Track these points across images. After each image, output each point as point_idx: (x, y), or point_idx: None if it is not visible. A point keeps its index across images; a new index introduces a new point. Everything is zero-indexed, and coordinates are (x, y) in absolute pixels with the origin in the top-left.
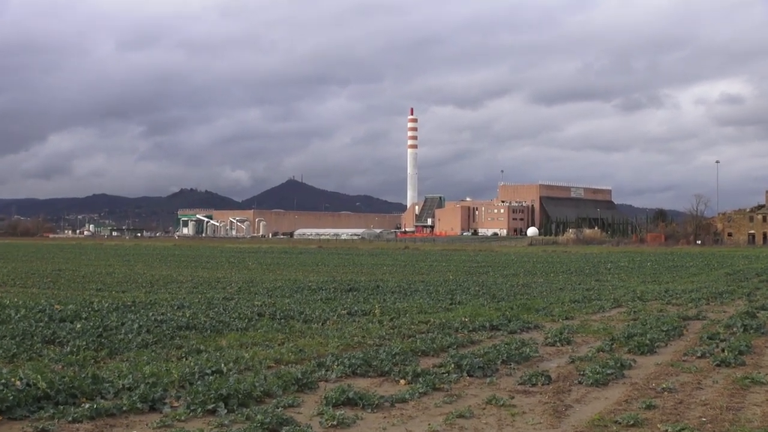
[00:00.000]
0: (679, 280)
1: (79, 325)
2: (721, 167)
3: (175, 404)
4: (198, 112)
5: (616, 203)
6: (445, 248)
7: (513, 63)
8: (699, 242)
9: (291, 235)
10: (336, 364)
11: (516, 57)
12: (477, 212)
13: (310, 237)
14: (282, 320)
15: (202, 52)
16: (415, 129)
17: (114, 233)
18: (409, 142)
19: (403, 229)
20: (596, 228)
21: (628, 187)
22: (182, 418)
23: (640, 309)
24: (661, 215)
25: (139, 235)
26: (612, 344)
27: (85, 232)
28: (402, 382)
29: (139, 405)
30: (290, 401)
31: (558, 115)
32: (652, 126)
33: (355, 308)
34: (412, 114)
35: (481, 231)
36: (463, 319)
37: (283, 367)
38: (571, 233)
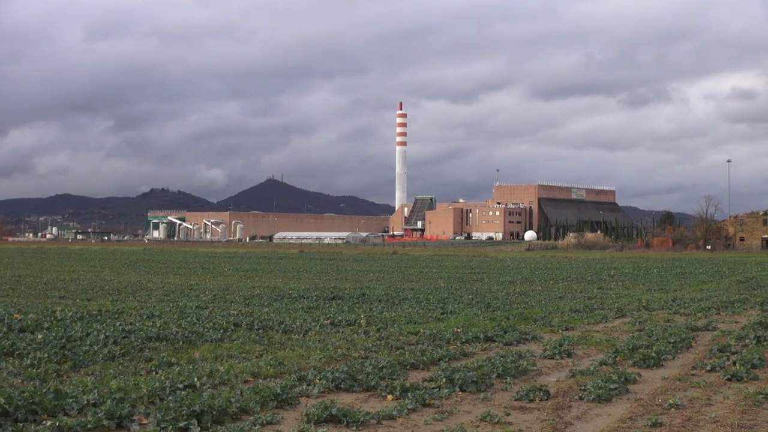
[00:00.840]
0: (688, 288)
1: (40, 336)
2: (733, 167)
3: (144, 421)
4: (171, 105)
5: (620, 205)
6: (436, 253)
7: (510, 55)
8: (709, 247)
9: (270, 238)
10: (318, 378)
11: (513, 48)
12: (471, 215)
13: (290, 241)
14: (260, 331)
15: (176, 42)
16: (404, 125)
17: (79, 236)
18: (398, 139)
19: (391, 233)
20: (599, 232)
21: (633, 188)
22: None
23: (645, 319)
24: (668, 218)
25: (105, 238)
26: (615, 357)
27: (48, 235)
28: (389, 397)
29: (105, 422)
30: (269, 418)
31: (558, 111)
32: (659, 123)
33: (339, 318)
34: (401, 109)
35: (475, 235)
36: (455, 329)
37: (261, 381)
38: (571, 237)
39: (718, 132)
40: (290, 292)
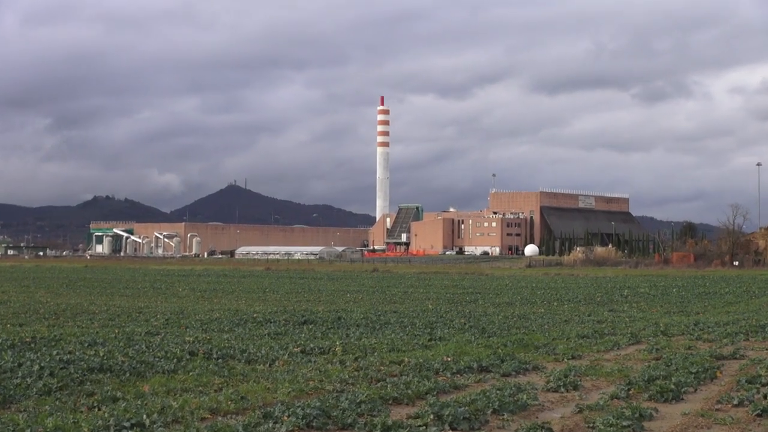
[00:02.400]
0: (712, 311)
1: None
2: (764, 171)
3: None
4: (119, 101)
5: (634, 215)
6: (423, 271)
7: (509, 43)
8: (736, 263)
9: (232, 254)
10: (287, 414)
11: (512, 36)
12: (463, 226)
13: (255, 257)
14: (220, 360)
15: (125, 28)
16: (386, 123)
17: (10, 251)
18: (380, 139)
19: (372, 247)
20: (610, 246)
21: (650, 196)
22: None
23: (663, 346)
24: (689, 230)
25: (41, 253)
26: (629, 389)
27: None
28: None
29: None
30: None
31: (563, 107)
32: (679, 120)
33: (311, 345)
34: (383, 104)
35: (468, 249)
36: (445, 358)
37: (220, 418)
38: (578, 252)
39: (747, 131)
40: (255, 315)
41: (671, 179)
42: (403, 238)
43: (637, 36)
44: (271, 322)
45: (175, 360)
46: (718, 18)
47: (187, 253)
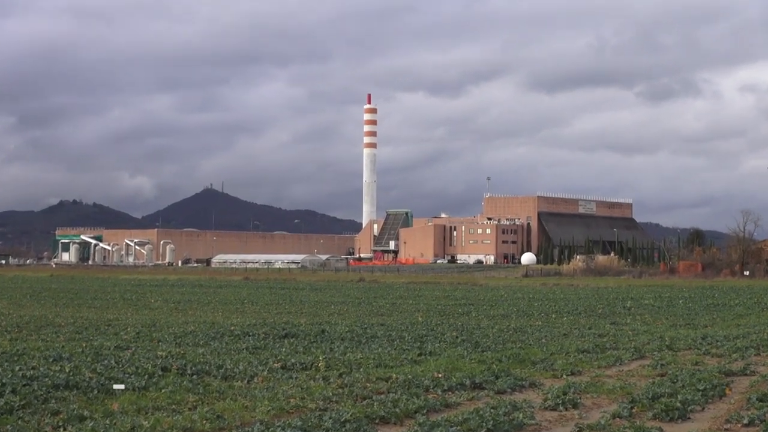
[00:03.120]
0: (721, 324)
1: None
2: None
3: None
4: (87, 99)
5: (638, 222)
6: (412, 281)
7: (505, 38)
8: (747, 273)
9: (207, 262)
10: None
11: (509, 30)
12: (455, 233)
13: (233, 265)
14: (194, 376)
15: (94, 21)
16: (374, 123)
17: None
18: (366, 140)
19: (358, 255)
20: (612, 254)
21: (655, 201)
22: None
23: (669, 361)
24: (697, 237)
25: (3, 262)
26: (632, 408)
27: None
28: None
29: None
30: None
31: (563, 106)
32: (686, 120)
33: (293, 361)
34: (369, 102)
35: (461, 258)
36: (435, 374)
37: None
38: (579, 261)
39: (759, 132)
40: (232, 328)
41: (678, 183)
42: (392, 245)
43: (642, 30)
44: (249, 336)
45: (146, 376)
46: (728, 11)
47: (159, 262)
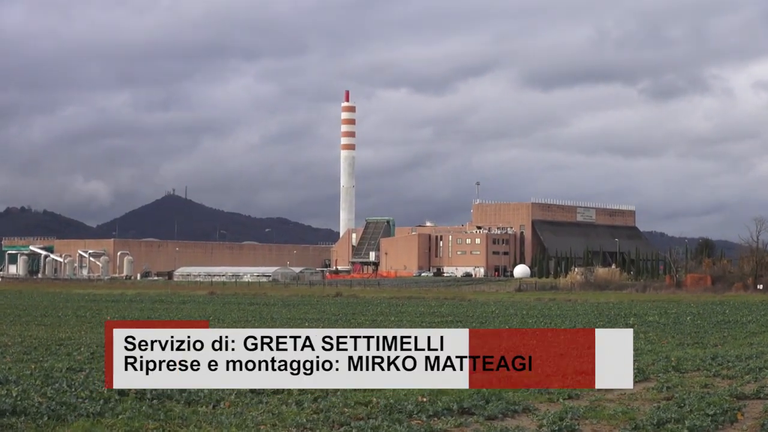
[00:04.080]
0: (732, 342)
1: None
2: None
3: None
4: (37, 95)
5: (641, 230)
6: (394, 296)
7: (498, 30)
8: (761, 287)
9: (170, 275)
10: None
11: (502, 21)
12: (441, 243)
13: (197, 279)
14: (154, 401)
15: (46, 10)
16: (352, 122)
17: None
18: (344, 141)
19: (335, 268)
20: (613, 266)
21: (660, 208)
22: None
23: (675, 383)
24: (706, 248)
25: None
26: None
27: None
28: None
29: None
30: None
31: (560, 104)
32: (694, 120)
33: None
34: (348, 100)
35: (447, 270)
36: (420, 398)
37: None
38: (577, 274)
39: None
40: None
41: (685, 189)
42: (372, 257)
43: (647, 22)
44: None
45: (101, 401)
46: (740, 1)
47: (116, 275)
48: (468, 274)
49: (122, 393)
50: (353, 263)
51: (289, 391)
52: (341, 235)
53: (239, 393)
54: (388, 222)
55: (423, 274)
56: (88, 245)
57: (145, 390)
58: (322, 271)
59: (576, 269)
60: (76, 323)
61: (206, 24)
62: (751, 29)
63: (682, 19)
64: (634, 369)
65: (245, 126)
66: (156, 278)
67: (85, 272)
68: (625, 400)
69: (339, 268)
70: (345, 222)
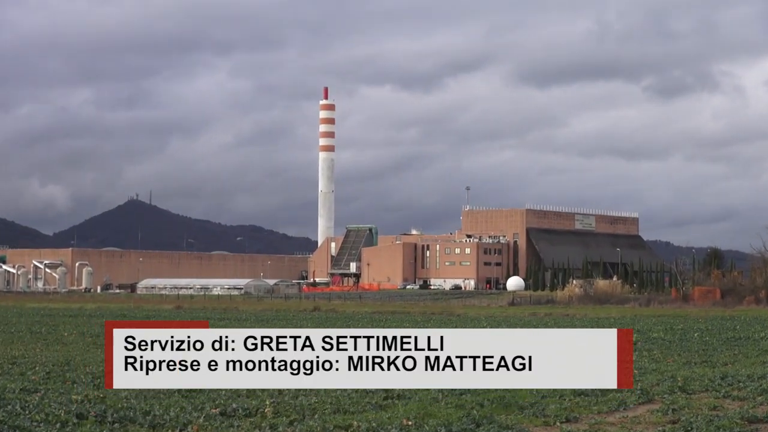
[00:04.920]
0: (744, 361)
1: None
2: None
3: None
4: None
5: (645, 239)
6: (377, 310)
7: (490, 22)
8: None
9: (132, 288)
10: None
11: (495, 13)
12: (428, 253)
13: (163, 291)
14: (116, 425)
15: (0, 1)
16: (331, 122)
17: None
18: (323, 142)
19: (312, 280)
20: (614, 278)
21: (665, 215)
22: None
23: (682, 406)
24: (714, 258)
25: None
26: None
27: None
28: None
29: None
30: None
31: (558, 103)
32: (703, 120)
33: (234, 405)
34: (327, 98)
35: (435, 283)
36: (405, 422)
37: None
38: (575, 286)
39: None
40: None
41: (692, 194)
42: (352, 268)
43: (652, 14)
44: None
45: (58, 424)
46: None
47: (75, 287)
48: (457, 287)
49: (81, 416)
50: (332, 275)
51: (263, 414)
52: (319, 244)
53: (208, 416)
54: (370, 230)
55: (408, 287)
56: (43, 255)
57: (105, 412)
58: (299, 283)
59: (574, 281)
60: (30, 340)
61: (175, 15)
62: (764, 22)
63: (689, 11)
64: (637, 390)
65: (216, 126)
66: (118, 291)
67: (40, 284)
68: (628, 423)
69: (317, 280)
70: (323, 230)
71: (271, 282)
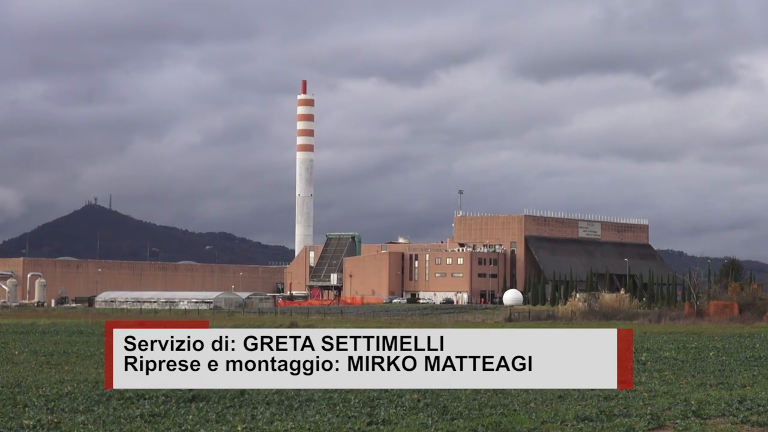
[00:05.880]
0: (765, 383)
1: None
2: None
3: None
4: None
5: (656, 249)
6: (361, 326)
7: (486, 9)
8: None
9: (90, 302)
10: None
11: (490, 1)
12: (417, 264)
13: (123, 306)
14: None
15: None
16: (310, 118)
17: None
18: (300, 140)
19: (289, 293)
20: (622, 291)
21: (678, 222)
22: None
23: None
24: (732, 270)
25: None
26: None
27: None
28: None
29: None
30: None
31: (560, 98)
32: (720, 118)
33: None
34: (305, 92)
35: (424, 296)
36: None
37: None
38: (578, 300)
39: None
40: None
41: (708, 199)
42: (333, 279)
43: (664, 1)
44: (144, 399)
45: None
46: None
47: (26, 301)
48: (449, 301)
49: None
50: (311, 287)
51: None
52: (297, 253)
53: None
54: (353, 238)
55: (395, 301)
56: None
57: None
58: (274, 296)
59: (577, 295)
60: None
61: (139, 1)
62: None
63: None
64: (647, 415)
65: (184, 123)
66: (74, 305)
67: None
68: None
69: (294, 293)
70: (301, 238)
71: (244, 295)
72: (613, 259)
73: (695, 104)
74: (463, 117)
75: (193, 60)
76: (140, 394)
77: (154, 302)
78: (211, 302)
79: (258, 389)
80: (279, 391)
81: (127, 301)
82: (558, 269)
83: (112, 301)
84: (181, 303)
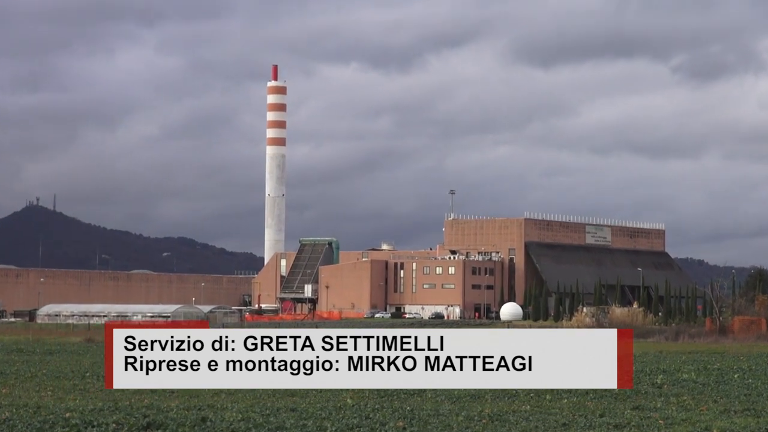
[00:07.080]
0: None
1: None
2: None
3: None
4: None
5: (673, 257)
6: None
7: None
8: None
9: (31, 315)
10: None
11: None
12: (403, 273)
13: (69, 320)
14: None
15: None
16: (282, 108)
17: None
18: (271, 133)
19: (257, 306)
20: (635, 305)
21: (698, 227)
22: None
23: None
24: (759, 281)
25: None
26: None
27: None
28: None
29: None
30: None
31: (565, 87)
32: (746, 109)
33: None
34: (276, 79)
35: (411, 310)
36: None
37: None
38: (585, 315)
39: None
40: (67, 415)
41: (732, 201)
42: (307, 291)
43: None
44: (93, 427)
45: None
46: None
47: None
48: (438, 316)
49: None
50: (282, 300)
51: None
52: (266, 261)
53: None
54: (330, 244)
55: (377, 315)
56: None
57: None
58: (240, 310)
59: (584, 309)
60: None
61: None
62: None
63: None
64: None
65: (139, 114)
66: (13, 319)
67: None
68: None
69: (263, 306)
70: (271, 244)
71: (206, 309)
72: (624, 268)
73: (718, 93)
74: (456, 107)
75: (151, 43)
76: (88, 422)
77: (104, 316)
78: (169, 316)
79: (222, 417)
80: (246, 418)
81: (73, 315)
82: (562, 280)
83: (57, 315)
84: (135, 317)
